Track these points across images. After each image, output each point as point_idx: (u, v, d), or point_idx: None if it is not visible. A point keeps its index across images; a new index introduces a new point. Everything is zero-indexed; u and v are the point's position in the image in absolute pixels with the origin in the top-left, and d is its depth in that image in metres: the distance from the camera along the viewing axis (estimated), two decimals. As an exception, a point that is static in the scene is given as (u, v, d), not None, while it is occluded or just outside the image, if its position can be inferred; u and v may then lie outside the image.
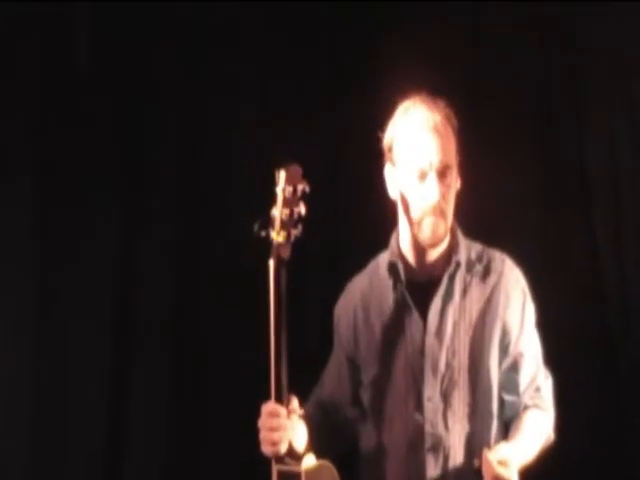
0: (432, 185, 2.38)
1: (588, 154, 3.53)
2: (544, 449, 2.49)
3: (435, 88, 2.55)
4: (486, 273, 2.48)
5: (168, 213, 3.64)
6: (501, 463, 2.25)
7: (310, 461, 2.28)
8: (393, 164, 2.47)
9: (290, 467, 2.24)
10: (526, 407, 2.49)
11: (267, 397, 2.28)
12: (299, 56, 3.62)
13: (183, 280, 3.62)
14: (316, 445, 2.40)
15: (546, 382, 2.54)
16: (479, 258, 2.50)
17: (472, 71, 3.56)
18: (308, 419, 2.43)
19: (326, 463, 2.34)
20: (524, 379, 2.49)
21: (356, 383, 2.56)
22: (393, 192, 2.49)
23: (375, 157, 2.54)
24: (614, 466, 3.43)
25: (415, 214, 2.42)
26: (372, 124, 2.59)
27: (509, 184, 3.24)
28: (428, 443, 2.41)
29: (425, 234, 2.42)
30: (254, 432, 2.30)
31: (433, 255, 2.47)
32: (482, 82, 3.56)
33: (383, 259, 2.56)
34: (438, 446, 2.41)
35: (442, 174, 2.39)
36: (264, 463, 2.31)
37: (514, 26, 3.53)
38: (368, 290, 2.55)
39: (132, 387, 3.60)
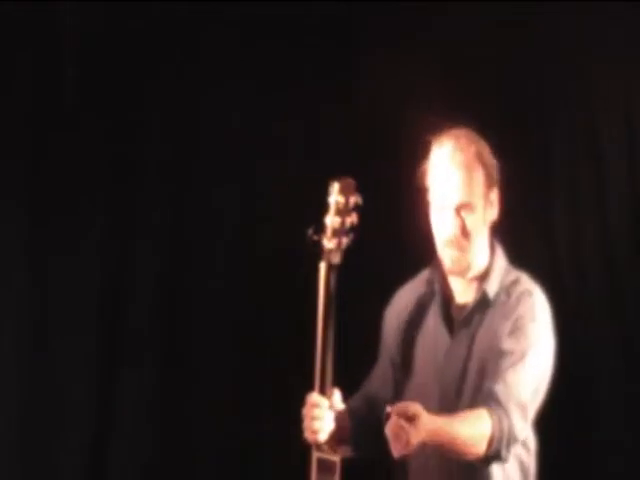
0: (448, 221, 2.52)
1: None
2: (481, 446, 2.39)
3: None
4: (514, 305, 2.54)
5: (163, 222, 3.91)
6: (408, 418, 2.22)
7: (347, 452, 2.48)
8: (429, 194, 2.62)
9: (328, 456, 2.42)
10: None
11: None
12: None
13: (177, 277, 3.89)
14: (358, 438, 2.59)
15: (517, 391, 2.45)
16: (506, 290, 2.58)
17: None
18: (353, 412, 2.60)
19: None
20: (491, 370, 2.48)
21: (398, 384, 2.71)
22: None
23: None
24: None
25: (438, 245, 2.58)
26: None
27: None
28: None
29: (446, 264, 2.58)
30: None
31: (464, 284, 2.61)
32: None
33: (425, 275, 2.70)
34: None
35: (460, 211, 2.51)
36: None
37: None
38: (411, 302, 2.70)
39: (119, 392, 3.86)
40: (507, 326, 2.52)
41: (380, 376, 2.77)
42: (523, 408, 2.44)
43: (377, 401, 2.73)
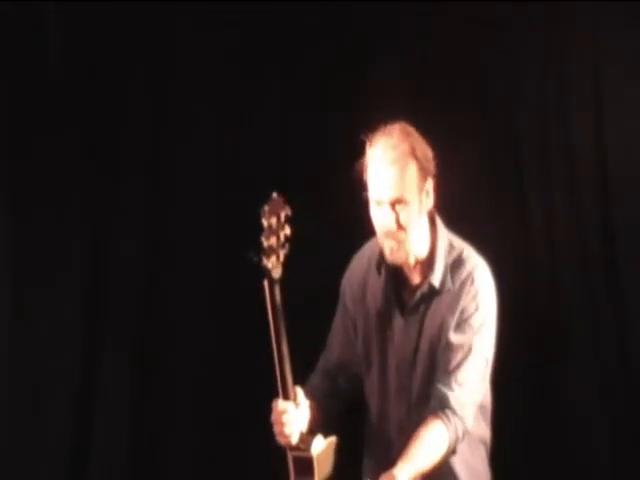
0: (384, 215, 2.68)
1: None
2: (442, 458, 2.65)
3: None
4: (453, 288, 2.74)
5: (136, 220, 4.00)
6: None
7: (319, 444, 2.65)
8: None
9: (303, 453, 2.61)
10: (431, 410, 2.66)
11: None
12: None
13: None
14: (323, 411, 2.79)
15: (466, 388, 2.68)
16: (454, 267, 2.76)
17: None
18: (316, 389, 2.82)
19: (331, 439, 2.71)
20: (444, 363, 2.70)
21: (353, 347, 2.89)
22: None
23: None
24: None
25: (379, 236, 2.75)
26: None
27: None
28: (393, 424, 2.81)
29: (386, 254, 2.74)
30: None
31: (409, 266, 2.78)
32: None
33: (377, 248, 2.83)
34: (404, 427, 2.76)
35: (395, 205, 2.66)
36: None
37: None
38: (368, 270, 2.87)
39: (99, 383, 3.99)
40: (454, 319, 2.72)
41: (343, 339, 2.93)
42: (475, 406, 2.71)
43: (341, 365, 2.92)
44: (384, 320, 2.82)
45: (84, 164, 3.98)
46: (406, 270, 2.80)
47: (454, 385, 2.66)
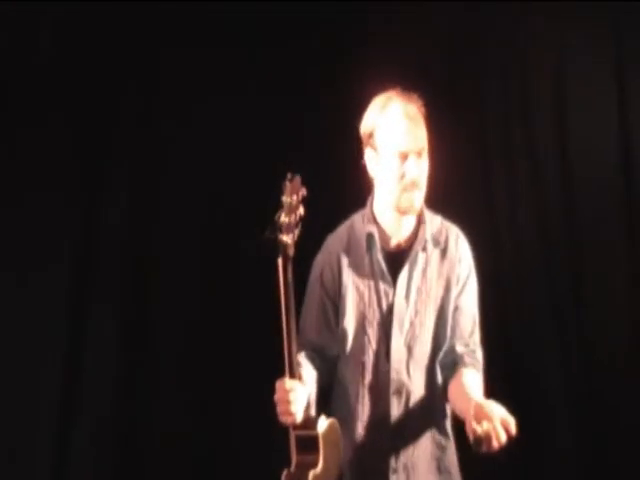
0: (412, 165, 2.80)
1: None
2: None
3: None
4: (445, 251, 2.91)
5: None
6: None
7: (322, 424, 2.66)
8: (374, 148, 2.85)
9: (308, 432, 2.62)
10: (465, 364, 2.87)
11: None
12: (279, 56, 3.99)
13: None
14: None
15: (480, 349, 2.94)
16: (439, 233, 2.92)
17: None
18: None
19: (332, 420, 2.72)
20: (460, 330, 2.90)
21: (338, 325, 2.93)
22: (373, 171, 2.89)
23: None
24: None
25: (397, 189, 2.82)
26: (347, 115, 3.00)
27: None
28: (393, 387, 2.85)
29: (405, 204, 2.83)
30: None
31: (405, 225, 2.88)
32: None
33: (359, 224, 2.93)
34: (401, 390, 2.85)
35: (419, 155, 2.81)
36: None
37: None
38: (347, 249, 2.92)
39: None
40: (456, 280, 2.90)
41: (320, 321, 2.93)
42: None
43: (318, 347, 2.93)
44: (378, 290, 2.87)
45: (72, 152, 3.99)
46: (392, 228, 2.89)
47: (474, 347, 2.91)
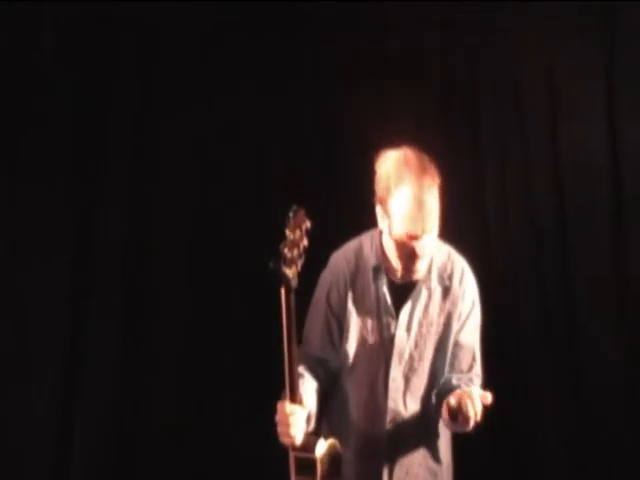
0: (419, 245, 2.80)
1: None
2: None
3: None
4: (448, 288, 2.96)
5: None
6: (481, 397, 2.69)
7: (321, 446, 2.74)
8: (387, 214, 2.84)
9: (306, 454, 2.70)
10: (461, 387, 2.90)
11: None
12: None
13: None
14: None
15: (478, 379, 3.00)
16: (444, 268, 2.97)
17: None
18: (304, 389, 2.85)
19: (332, 441, 2.80)
20: (458, 364, 2.98)
21: (341, 343, 3.00)
22: (381, 225, 2.91)
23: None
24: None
25: (400, 260, 2.87)
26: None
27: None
28: (389, 416, 2.97)
29: (399, 275, 2.90)
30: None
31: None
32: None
33: (368, 251, 2.97)
34: (397, 419, 2.97)
35: (428, 234, 2.80)
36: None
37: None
38: (355, 274, 2.98)
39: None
40: (457, 317, 2.96)
41: (324, 335, 3.01)
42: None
43: (319, 360, 3.00)
44: (381, 320, 2.95)
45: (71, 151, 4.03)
46: (397, 273, 2.93)
47: (475, 377, 2.97)
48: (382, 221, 2.90)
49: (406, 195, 2.77)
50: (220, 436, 4.04)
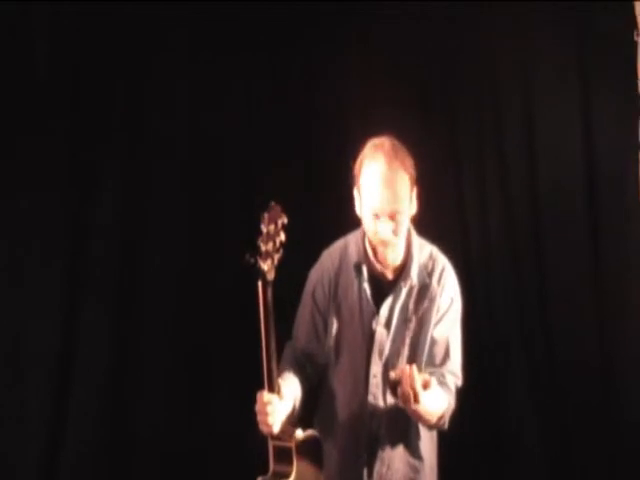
0: (382, 226, 2.90)
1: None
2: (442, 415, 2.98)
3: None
4: (427, 286, 3.02)
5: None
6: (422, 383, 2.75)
7: (299, 436, 2.82)
8: (359, 193, 2.96)
9: (284, 443, 2.78)
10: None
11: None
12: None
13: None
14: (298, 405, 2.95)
15: (451, 376, 3.03)
16: (425, 267, 3.03)
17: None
18: (289, 381, 2.94)
19: (310, 432, 2.88)
20: (431, 358, 3.02)
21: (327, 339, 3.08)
22: (358, 211, 3.00)
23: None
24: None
25: (371, 241, 2.97)
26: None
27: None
28: (369, 411, 3.03)
29: (379, 259, 2.98)
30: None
31: (393, 258, 3.00)
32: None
33: (352, 249, 3.06)
34: (376, 414, 3.03)
35: (392, 217, 2.89)
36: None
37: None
38: (338, 272, 3.07)
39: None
40: (433, 314, 3.01)
41: (310, 331, 3.09)
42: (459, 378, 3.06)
43: (307, 355, 3.09)
44: (362, 316, 3.02)
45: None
46: (383, 269, 3.01)
47: (447, 373, 3.00)
48: (358, 206, 2.99)
49: (374, 172, 2.89)
50: (210, 431, 4.11)
